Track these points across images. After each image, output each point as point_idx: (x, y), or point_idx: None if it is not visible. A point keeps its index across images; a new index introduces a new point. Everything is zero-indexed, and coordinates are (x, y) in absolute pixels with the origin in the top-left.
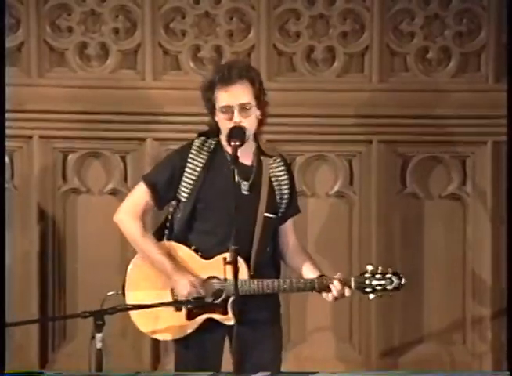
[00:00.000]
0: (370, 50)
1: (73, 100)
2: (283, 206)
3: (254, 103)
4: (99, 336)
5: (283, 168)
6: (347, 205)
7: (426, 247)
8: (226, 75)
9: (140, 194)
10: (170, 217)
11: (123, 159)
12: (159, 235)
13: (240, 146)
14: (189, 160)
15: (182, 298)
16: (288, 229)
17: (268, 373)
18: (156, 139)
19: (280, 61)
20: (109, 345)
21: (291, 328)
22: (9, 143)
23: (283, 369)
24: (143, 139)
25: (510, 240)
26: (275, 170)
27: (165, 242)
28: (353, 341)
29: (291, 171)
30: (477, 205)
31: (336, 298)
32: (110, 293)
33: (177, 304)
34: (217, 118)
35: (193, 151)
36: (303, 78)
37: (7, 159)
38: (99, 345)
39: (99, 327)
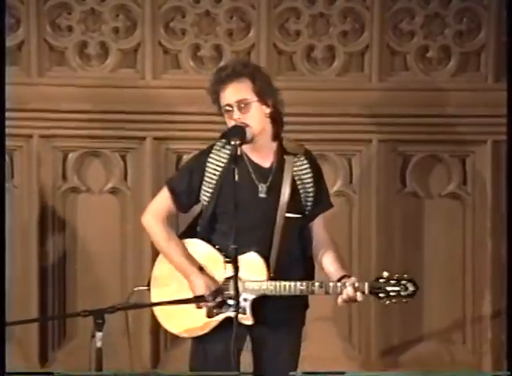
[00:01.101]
0: (370, 49)
1: (73, 99)
2: (309, 204)
3: (254, 98)
4: (99, 335)
5: (307, 165)
6: (347, 204)
7: (426, 246)
8: (222, 75)
9: (163, 198)
10: (199, 216)
11: (123, 158)
12: (189, 233)
13: (240, 145)
14: (209, 164)
15: None
16: (316, 225)
17: (298, 372)
18: (156, 138)
19: (280, 60)
20: (110, 344)
21: None
22: (9, 142)
23: None
24: (143, 138)
25: (510, 239)
26: (298, 168)
27: (192, 239)
28: (353, 340)
29: (318, 167)
30: (477, 204)
31: (345, 302)
32: (137, 288)
33: (176, 303)
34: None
35: (212, 155)
36: (303, 77)
37: (7, 158)
38: (99, 344)
39: (99, 326)
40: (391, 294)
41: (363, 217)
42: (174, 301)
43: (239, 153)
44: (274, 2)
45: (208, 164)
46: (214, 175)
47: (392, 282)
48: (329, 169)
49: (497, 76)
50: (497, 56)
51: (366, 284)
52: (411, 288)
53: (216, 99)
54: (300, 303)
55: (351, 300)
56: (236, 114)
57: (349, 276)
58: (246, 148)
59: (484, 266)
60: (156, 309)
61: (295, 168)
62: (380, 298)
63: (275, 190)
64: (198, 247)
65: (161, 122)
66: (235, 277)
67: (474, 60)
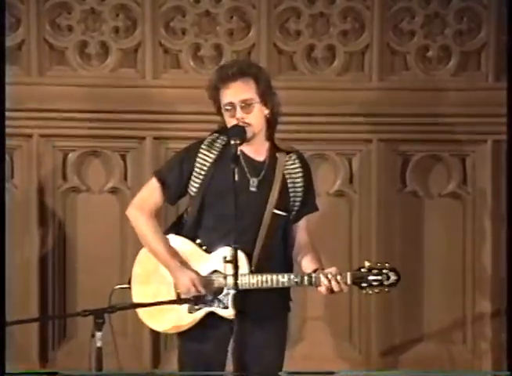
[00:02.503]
0: (370, 49)
1: (73, 99)
2: (297, 204)
3: (257, 99)
4: (99, 334)
5: (298, 165)
6: (348, 204)
7: (426, 246)
8: (227, 73)
9: (151, 189)
10: (186, 212)
11: (123, 157)
12: (174, 229)
13: (240, 144)
14: (199, 155)
15: (182, 294)
16: (300, 228)
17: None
18: (156, 138)
19: (280, 60)
20: (109, 344)
21: (291, 326)
22: (9, 142)
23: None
24: (143, 138)
25: (510, 238)
26: (289, 167)
27: (172, 236)
28: (353, 340)
29: (308, 168)
30: (477, 204)
31: (330, 291)
32: (118, 286)
33: (177, 303)
34: (223, 117)
35: (204, 147)
36: (303, 77)
37: (7, 158)
38: (99, 344)
39: (99, 326)
40: (373, 283)
41: (363, 217)
42: (173, 301)
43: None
44: (274, 2)
45: (199, 156)
46: (204, 166)
47: (374, 272)
48: (329, 169)
49: (497, 75)
50: (497, 56)
51: (349, 275)
52: (393, 277)
53: (215, 96)
54: (281, 302)
55: (333, 289)
56: (239, 113)
57: (323, 269)
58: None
59: (484, 266)
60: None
61: (286, 166)
62: (362, 287)
63: (266, 186)
64: (180, 244)
65: (161, 122)
66: (235, 278)
67: (474, 60)
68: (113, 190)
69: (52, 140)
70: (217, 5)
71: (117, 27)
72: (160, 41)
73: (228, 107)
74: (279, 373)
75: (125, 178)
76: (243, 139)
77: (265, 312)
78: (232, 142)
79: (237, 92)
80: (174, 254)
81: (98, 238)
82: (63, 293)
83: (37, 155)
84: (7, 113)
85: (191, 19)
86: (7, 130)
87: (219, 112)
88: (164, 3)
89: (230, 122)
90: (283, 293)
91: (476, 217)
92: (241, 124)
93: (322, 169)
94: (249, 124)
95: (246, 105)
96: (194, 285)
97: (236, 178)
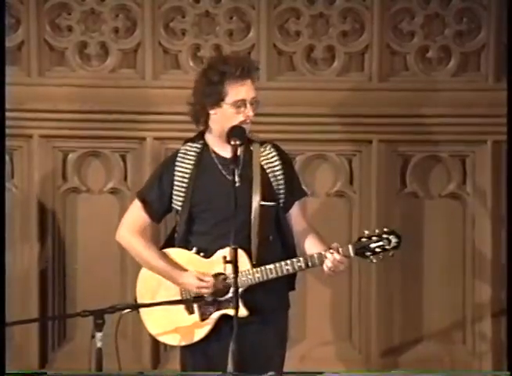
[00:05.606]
0: (370, 49)
1: (73, 99)
2: (282, 192)
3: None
4: (99, 335)
5: (274, 153)
6: (348, 205)
7: (426, 247)
8: (243, 69)
9: (136, 210)
10: (177, 226)
11: (123, 158)
12: (169, 243)
13: (240, 145)
14: (177, 168)
15: (194, 295)
16: (294, 213)
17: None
18: (156, 138)
19: (280, 60)
20: (109, 345)
21: (291, 327)
22: (9, 142)
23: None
24: (143, 138)
25: (509, 239)
26: (266, 156)
27: (166, 250)
28: (353, 341)
29: (286, 156)
30: (477, 204)
31: (332, 271)
32: (126, 311)
33: (174, 303)
34: (216, 112)
35: (179, 159)
36: (303, 77)
37: (7, 158)
38: (99, 344)
39: (99, 326)
40: (376, 250)
41: (363, 217)
42: (176, 301)
43: (215, 151)
44: (274, 3)
45: (177, 169)
46: (184, 178)
47: (375, 238)
48: (329, 170)
49: (497, 76)
50: (497, 56)
51: (350, 247)
52: (394, 240)
53: (217, 91)
54: (282, 301)
55: (337, 266)
56: (250, 111)
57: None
58: (213, 144)
59: (484, 266)
60: (149, 326)
61: (263, 157)
62: (366, 257)
63: (246, 180)
64: (177, 255)
65: (161, 122)
66: (235, 277)
67: (474, 60)
68: (113, 191)
69: (52, 141)
70: (216, 5)
71: (116, 27)
72: (160, 41)
73: (239, 104)
74: (269, 373)
75: (125, 179)
76: (243, 140)
77: (266, 311)
78: (232, 143)
79: (250, 89)
80: (173, 264)
81: (98, 239)
82: (62, 294)
83: (37, 155)
84: (7, 114)
85: (191, 20)
86: (7, 130)
87: (212, 106)
88: (164, 4)
89: (234, 118)
90: (283, 292)
91: (476, 217)
92: (248, 121)
93: (322, 170)
94: (245, 128)
95: (255, 102)
96: (202, 279)
97: (237, 179)
